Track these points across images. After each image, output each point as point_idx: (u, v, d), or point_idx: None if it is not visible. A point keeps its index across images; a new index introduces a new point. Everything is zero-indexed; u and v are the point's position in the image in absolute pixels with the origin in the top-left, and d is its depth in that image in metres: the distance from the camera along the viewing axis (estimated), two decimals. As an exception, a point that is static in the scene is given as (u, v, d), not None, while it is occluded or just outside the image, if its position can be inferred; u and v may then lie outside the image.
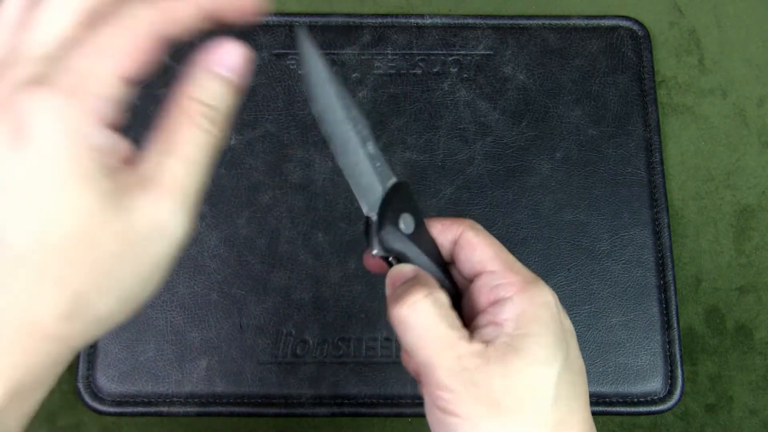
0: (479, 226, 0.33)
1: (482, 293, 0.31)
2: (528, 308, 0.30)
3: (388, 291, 0.33)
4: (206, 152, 0.27)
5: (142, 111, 0.54)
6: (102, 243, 0.24)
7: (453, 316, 0.31)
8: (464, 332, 0.30)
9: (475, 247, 0.32)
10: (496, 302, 0.31)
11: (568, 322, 0.32)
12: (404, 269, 0.32)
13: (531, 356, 0.29)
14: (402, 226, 0.33)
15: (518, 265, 0.32)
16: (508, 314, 0.30)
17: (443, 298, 0.31)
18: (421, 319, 0.30)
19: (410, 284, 0.31)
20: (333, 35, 0.56)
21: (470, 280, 0.33)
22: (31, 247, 0.23)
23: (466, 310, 0.33)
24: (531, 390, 0.29)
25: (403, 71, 0.56)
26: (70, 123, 0.24)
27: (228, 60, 0.29)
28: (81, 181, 0.24)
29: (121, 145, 0.28)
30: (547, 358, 0.29)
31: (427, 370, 0.30)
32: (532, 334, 0.30)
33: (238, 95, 0.29)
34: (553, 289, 0.53)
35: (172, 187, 0.26)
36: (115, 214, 0.24)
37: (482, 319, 0.31)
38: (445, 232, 0.33)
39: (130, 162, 0.27)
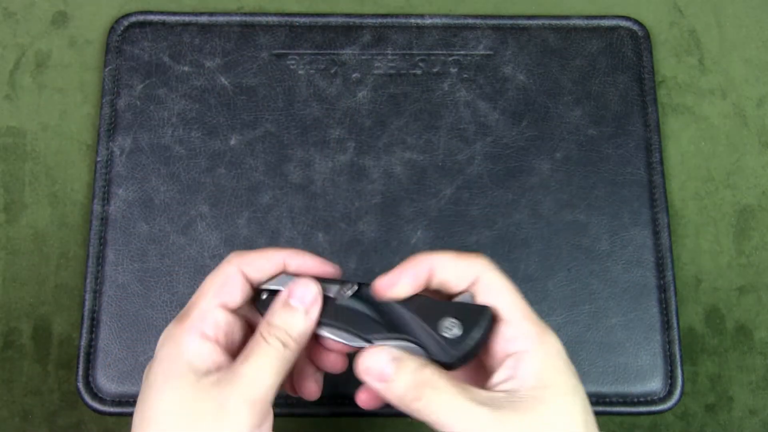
0: (494, 265, 0.35)
1: (500, 345, 0.33)
2: (546, 359, 0.32)
3: (371, 384, 0.34)
4: (276, 363, 0.34)
5: (142, 111, 0.54)
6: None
7: (457, 385, 0.32)
8: (479, 397, 0.32)
9: (493, 292, 0.34)
10: (515, 354, 0.32)
11: (574, 370, 0.34)
12: (378, 358, 0.34)
13: (557, 406, 0.31)
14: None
15: (532, 312, 0.33)
16: (528, 368, 0.32)
17: (434, 369, 0.33)
18: (440, 407, 0.32)
19: (405, 375, 0.33)
20: (333, 35, 0.56)
21: None
22: None
23: (480, 355, 0.34)
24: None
25: (403, 71, 0.56)
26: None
27: (299, 294, 0.36)
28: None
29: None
30: (569, 403, 0.32)
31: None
32: (552, 386, 0.31)
33: (310, 322, 0.36)
34: (553, 289, 0.54)
35: (239, 384, 0.33)
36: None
37: (500, 374, 0.33)
38: (460, 275, 0.34)
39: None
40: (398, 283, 0.35)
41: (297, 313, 0.35)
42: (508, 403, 0.31)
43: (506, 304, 0.33)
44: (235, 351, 0.36)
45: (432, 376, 0.33)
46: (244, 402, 0.32)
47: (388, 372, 0.33)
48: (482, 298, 0.34)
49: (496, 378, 0.33)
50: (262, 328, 0.35)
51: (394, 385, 0.33)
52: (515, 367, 0.32)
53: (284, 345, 0.35)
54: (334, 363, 0.39)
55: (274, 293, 0.37)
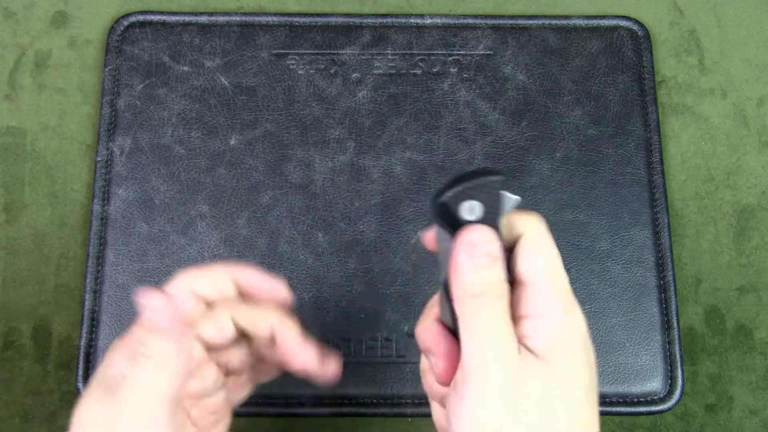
0: (543, 225, 0.34)
1: (522, 304, 0.32)
2: (561, 332, 0.31)
3: (458, 255, 0.32)
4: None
5: (142, 111, 0.54)
6: None
7: (511, 323, 0.31)
8: (516, 344, 0.31)
9: (532, 254, 0.33)
10: (534, 317, 0.32)
11: (592, 352, 0.33)
12: (488, 233, 0.32)
13: (560, 374, 0.31)
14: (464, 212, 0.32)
15: (563, 283, 0.33)
16: (543, 331, 0.31)
17: (506, 299, 0.32)
18: (486, 324, 0.31)
19: (490, 270, 0.31)
20: (333, 35, 0.56)
21: (518, 281, 0.33)
22: None
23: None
24: (559, 396, 0.31)
25: (403, 71, 0.56)
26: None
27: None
28: None
29: None
30: (574, 379, 0.31)
31: (469, 360, 0.30)
32: (561, 355, 0.31)
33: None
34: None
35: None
36: None
37: (518, 329, 0.32)
38: (510, 226, 0.33)
39: None
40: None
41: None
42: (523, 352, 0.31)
43: (539, 269, 0.32)
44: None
45: (506, 297, 0.32)
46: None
47: (491, 258, 0.32)
48: (524, 254, 0.33)
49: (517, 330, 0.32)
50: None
51: (484, 273, 0.31)
52: (531, 327, 0.31)
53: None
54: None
55: None
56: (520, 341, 0.31)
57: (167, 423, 0.32)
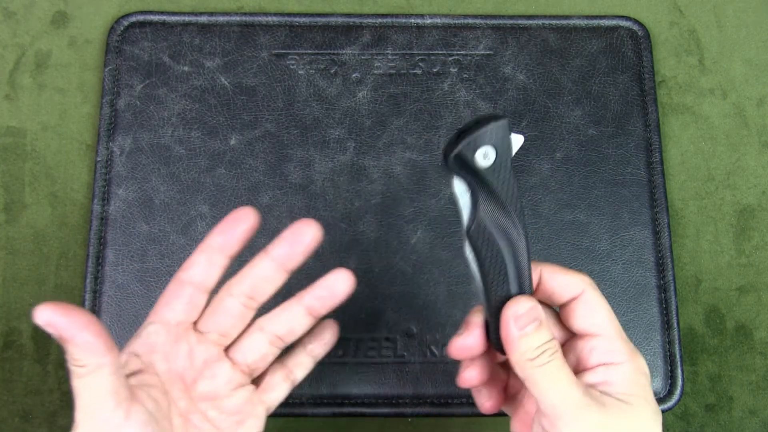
0: (596, 285, 0.37)
1: (594, 354, 0.35)
2: (633, 376, 0.35)
3: (508, 328, 0.35)
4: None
5: (142, 111, 0.54)
6: None
7: (569, 369, 0.34)
8: (581, 385, 0.34)
9: (595, 309, 0.36)
10: (608, 365, 0.35)
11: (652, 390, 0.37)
12: (529, 302, 0.35)
13: (641, 413, 0.34)
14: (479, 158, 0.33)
15: (624, 333, 0.36)
16: (620, 376, 0.35)
17: (559, 351, 0.35)
18: (550, 379, 0.34)
19: (537, 335, 0.34)
20: (333, 35, 0.56)
21: (580, 335, 0.36)
22: None
23: (570, 357, 0.37)
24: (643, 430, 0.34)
25: (403, 71, 0.56)
26: None
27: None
28: None
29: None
30: (653, 416, 0.34)
31: (548, 411, 0.34)
32: (639, 396, 0.34)
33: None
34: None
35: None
36: None
37: (592, 376, 0.35)
38: (567, 287, 0.36)
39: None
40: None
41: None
42: (602, 398, 0.34)
43: (604, 321, 0.36)
44: None
45: (559, 350, 0.35)
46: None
47: (536, 324, 0.35)
48: (583, 313, 0.36)
49: (589, 379, 0.35)
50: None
51: (531, 338, 0.34)
52: (607, 374, 0.35)
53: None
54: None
55: None
56: (598, 388, 0.34)
57: (116, 409, 0.32)
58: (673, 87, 0.58)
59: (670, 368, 0.51)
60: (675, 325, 0.51)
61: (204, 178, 0.53)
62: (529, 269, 0.35)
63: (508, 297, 0.35)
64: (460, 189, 0.35)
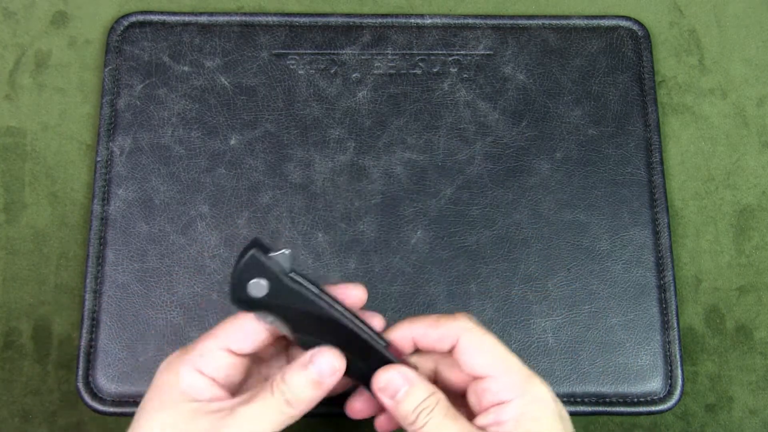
0: (473, 322, 0.37)
1: (485, 395, 0.36)
2: (526, 408, 0.35)
3: (381, 401, 0.37)
4: (274, 416, 0.35)
5: (142, 111, 0.54)
6: None
7: (455, 418, 0.35)
8: (474, 430, 0.35)
9: (475, 352, 0.36)
10: (499, 404, 0.35)
11: (564, 412, 0.37)
12: (388, 374, 0.36)
13: None
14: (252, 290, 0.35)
15: (515, 363, 0.36)
16: (509, 415, 0.35)
17: (443, 400, 0.35)
18: (439, 424, 0.35)
19: (416, 402, 0.35)
20: (333, 35, 0.56)
21: (470, 377, 0.37)
22: None
23: (471, 399, 0.37)
24: None
25: (403, 71, 0.56)
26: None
27: (321, 364, 0.36)
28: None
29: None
30: None
31: None
32: (530, 428, 0.34)
33: (320, 392, 0.36)
34: (553, 289, 0.54)
35: (234, 422, 0.34)
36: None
37: (484, 419, 0.36)
38: (440, 340, 0.37)
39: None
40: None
41: (311, 381, 0.36)
42: None
43: (488, 360, 0.36)
44: (234, 389, 0.38)
45: (439, 404, 0.35)
46: None
47: (403, 391, 0.36)
48: (465, 359, 0.36)
49: (480, 421, 0.36)
50: (276, 379, 0.36)
51: (403, 405, 0.35)
52: (498, 414, 0.35)
53: (288, 404, 0.35)
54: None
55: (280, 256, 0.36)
56: (488, 430, 0.35)
57: None
58: (673, 87, 0.58)
59: (669, 368, 0.51)
60: (675, 325, 0.51)
61: (204, 178, 0.53)
62: (377, 335, 0.37)
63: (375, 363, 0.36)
64: (266, 320, 0.36)
